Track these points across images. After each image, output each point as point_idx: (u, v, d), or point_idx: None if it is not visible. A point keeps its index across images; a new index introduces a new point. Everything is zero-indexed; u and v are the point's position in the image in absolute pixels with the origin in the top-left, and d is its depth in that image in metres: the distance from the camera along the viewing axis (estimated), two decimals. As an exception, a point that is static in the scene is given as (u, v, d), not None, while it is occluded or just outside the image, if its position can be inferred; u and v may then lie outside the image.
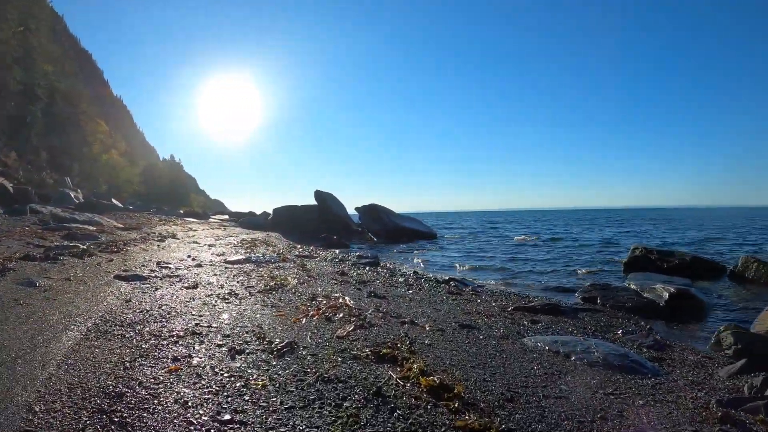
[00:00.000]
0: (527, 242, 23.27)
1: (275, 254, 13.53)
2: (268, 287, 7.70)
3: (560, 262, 14.97)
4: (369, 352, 4.26)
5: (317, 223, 25.58)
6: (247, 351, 4.34)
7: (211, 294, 7.02)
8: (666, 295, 8.73)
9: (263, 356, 4.21)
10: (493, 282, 11.46)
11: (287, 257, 13.17)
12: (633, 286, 9.73)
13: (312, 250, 17.48)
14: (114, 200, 35.53)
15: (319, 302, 6.65)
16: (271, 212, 28.24)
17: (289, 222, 26.33)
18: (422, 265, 14.66)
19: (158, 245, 13.75)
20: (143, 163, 67.21)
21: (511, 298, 8.96)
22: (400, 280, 10.33)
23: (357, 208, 26.35)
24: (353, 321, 5.47)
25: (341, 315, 5.77)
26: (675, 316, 8.27)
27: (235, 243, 16.60)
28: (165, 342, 4.54)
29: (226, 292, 7.22)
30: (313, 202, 26.94)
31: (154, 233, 17.11)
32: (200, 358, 4.12)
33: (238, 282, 8.24)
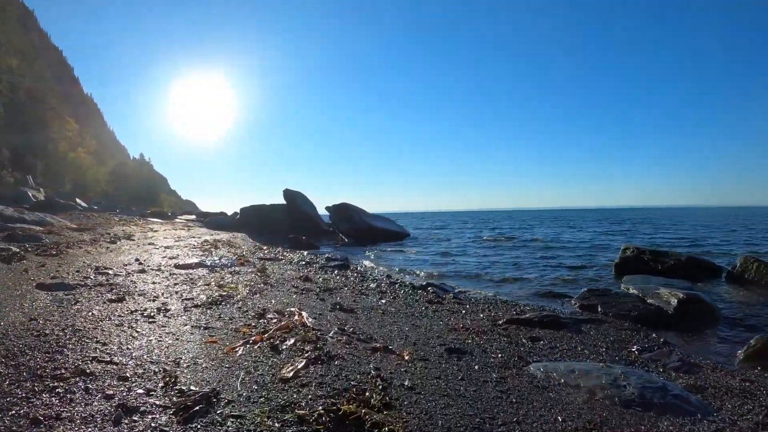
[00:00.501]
0: (507, 243, 21.81)
1: (234, 257, 11.98)
2: (210, 300, 6.17)
3: (544, 264, 13.69)
4: (322, 411, 2.80)
5: (286, 223, 24.00)
6: (142, 410, 2.85)
7: (136, 310, 5.47)
8: (674, 301, 7.48)
9: (162, 420, 2.73)
10: (475, 288, 10.08)
11: (248, 260, 11.65)
12: (634, 291, 8.48)
13: (278, 251, 16.02)
14: (78, 200, 33.64)
15: (269, 321, 5.16)
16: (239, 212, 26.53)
17: (257, 222, 24.68)
18: (396, 268, 13.21)
19: (107, 247, 12.12)
20: (112, 162, 64.73)
21: (500, 307, 7.60)
22: (372, 286, 8.90)
23: (327, 208, 24.80)
24: (307, 351, 4.00)
25: (292, 341, 4.30)
26: (685, 324, 7.09)
27: (195, 245, 14.98)
28: (38, 388, 3.05)
29: (157, 306, 5.68)
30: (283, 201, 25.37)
31: (109, 234, 15.47)
32: (69, 424, 2.62)
33: (177, 293, 6.69)
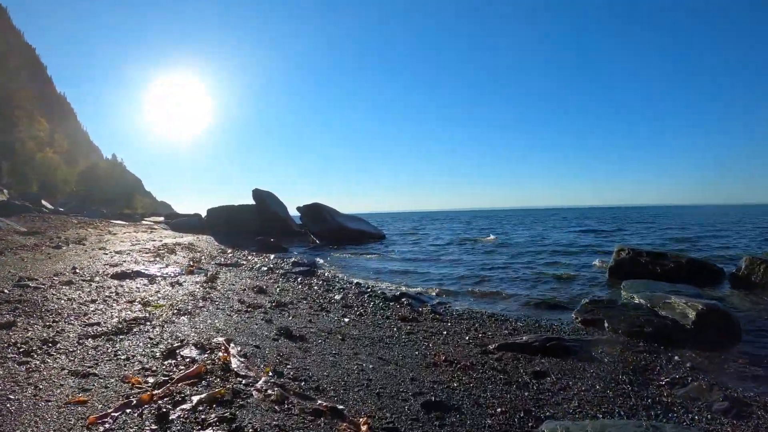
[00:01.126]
0: (490, 244, 20.23)
1: (187, 262, 10.45)
2: (119, 325, 4.63)
3: (531, 268, 12.33)
4: None
5: (255, 225, 22.38)
6: None
7: (16, 342, 3.93)
8: (692, 314, 6.17)
9: None
10: (457, 297, 8.66)
11: (201, 267, 10.12)
12: (641, 301, 7.17)
13: (243, 255, 14.56)
14: (44, 201, 31.68)
15: (179, 361, 3.65)
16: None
17: (225, 224, 23.01)
18: (368, 274, 11.73)
19: (49, 254, 10.46)
20: (84, 163, 62.03)
21: (488, 324, 6.20)
22: (337, 297, 7.46)
23: (298, 208, 23.20)
24: (210, 423, 2.54)
25: (195, 401, 2.80)
26: (705, 338, 5.82)
27: (150, 249, 13.35)
28: None
29: (45, 337, 4.14)
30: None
31: (59, 238, 13.78)
32: None
33: (86, 314, 5.12)
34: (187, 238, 19.26)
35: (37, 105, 63.76)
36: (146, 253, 12.33)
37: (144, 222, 27.52)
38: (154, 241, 16.63)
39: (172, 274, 8.58)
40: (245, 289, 7.56)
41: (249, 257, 14.06)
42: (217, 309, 5.76)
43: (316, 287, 8.57)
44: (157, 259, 11.16)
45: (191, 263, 10.85)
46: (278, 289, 7.96)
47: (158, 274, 8.44)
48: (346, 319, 5.81)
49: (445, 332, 5.51)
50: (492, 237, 23.90)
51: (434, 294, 8.67)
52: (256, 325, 5.09)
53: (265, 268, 11.34)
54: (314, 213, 22.47)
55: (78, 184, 53.10)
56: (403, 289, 8.87)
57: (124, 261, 10.17)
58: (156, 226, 24.39)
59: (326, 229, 21.60)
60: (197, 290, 7.06)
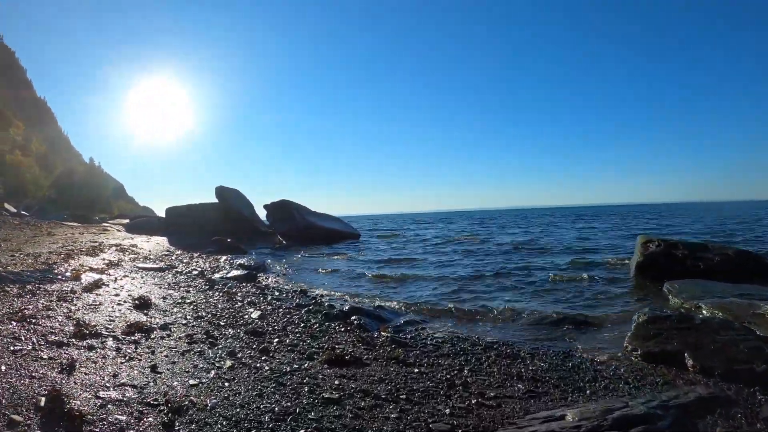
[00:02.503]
0: (481, 245, 16.46)
1: (98, 266, 7.79)
2: None
3: (531, 269, 9.51)
4: None
5: (218, 224, 19.54)
6: None
7: None
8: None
9: None
10: (435, 312, 5.82)
11: (108, 271, 7.50)
12: (714, 312, 4.55)
13: (189, 257, 12.12)
14: (7, 204, 29.46)
15: None
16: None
17: (185, 223, 20.14)
18: (326, 279, 8.97)
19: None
20: (60, 167, 58.65)
21: (486, 366, 3.48)
22: (254, 315, 4.78)
23: (266, 206, 20.37)
24: None
25: None
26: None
27: (74, 250, 10.78)
28: None
29: None
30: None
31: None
32: None
33: None
34: (138, 240, 16.63)
35: (12, 107, 60.37)
36: (57, 254, 9.69)
37: (105, 224, 24.66)
38: (93, 243, 13.94)
39: (40, 279, 5.88)
40: (125, 302, 4.90)
41: (192, 260, 11.47)
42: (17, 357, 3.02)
43: (239, 298, 5.90)
44: (69, 260, 8.67)
45: (104, 266, 8.30)
46: (175, 301, 5.28)
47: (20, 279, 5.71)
48: (228, 363, 3.09)
49: (406, 390, 2.82)
50: (477, 236, 21.08)
51: (401, 308, 5.88)
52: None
53: (196, 272, 8.79)
54: (281, 211, 19.63)
55: (51, 188, 50.06)
56: (358, 301, 6.12)
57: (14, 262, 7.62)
58: (111, 228, 21.53)
59: (294, 228, 18.75)
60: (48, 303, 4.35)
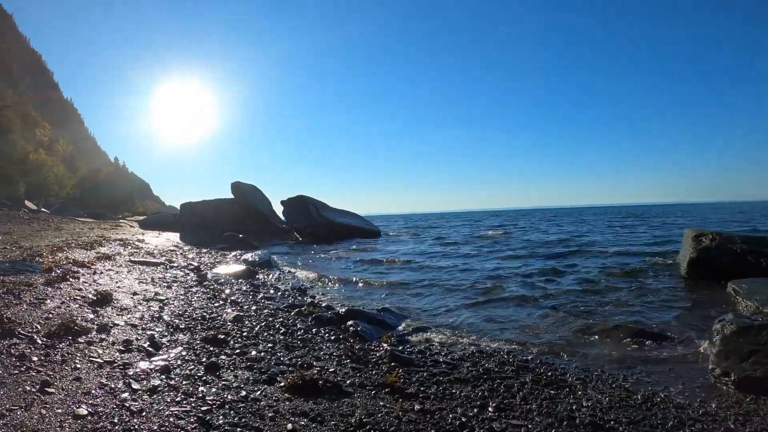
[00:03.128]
0: (507, 242, 14.88)
1: (84, 259, 7.05)
2: None
3: (569, 269, 8.36)
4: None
5: (233, 221, 18.77)
6: None
7: None
8: None
9: None
10: (451, 321, 4.65)
11: (92, 265, 6.72)
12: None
13: (196, 252, 11.50)
14: (28, 202, 29.57)
15: None
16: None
17: (199, 220, 19.47)
18: (333, 276, 7.94)
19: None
20: (84, 167, 59.17)
21: (518, 391, 2.49)
22: (230, 316, 3.86)
23: (283, 202, 19.52)
24: None
25: None
26: None
27: (72, 244, 10.13)
28: None
29: None
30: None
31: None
32: None
33: None
34: (148, 236, 16.01)
35: (39, 109, 61.36)
36: (50, 247, 9.02)
37: (120, 221, 24.34)
38: (98, 237, 13.36)
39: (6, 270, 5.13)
40: (82, 298, 4.08)
41: (198, 255, 10.79)
42: None
43: (224, 296, 5.05)
44: (57, 252, 8.04)
45: (93, 259, 7.57)
46: (145, 298, 4.42)
47: None
48: (153, 383, 2.16)
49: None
50: (502, 231, 19.85)
51: (413, 313, 4.87)
52: None
53: (192, 267, 8.05)
54: (298, 207, 18.76)
55: (75, 187, 50.53)
56: (361, 304, 5.12)
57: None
58: (124, 224, 21.12)
59: (311, 224, 17.87)
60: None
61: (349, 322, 3.81)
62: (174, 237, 16.42)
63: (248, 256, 9.90)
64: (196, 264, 8.44)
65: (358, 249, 14.14)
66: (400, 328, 4.05)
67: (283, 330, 3.58)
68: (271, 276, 7.63)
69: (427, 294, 6.37)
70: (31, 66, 70.84)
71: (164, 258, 9.46)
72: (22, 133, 44.32)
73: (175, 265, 8.39)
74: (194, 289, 5.56)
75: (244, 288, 5.97)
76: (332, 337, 3.49)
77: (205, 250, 12.52)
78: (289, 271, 8.61)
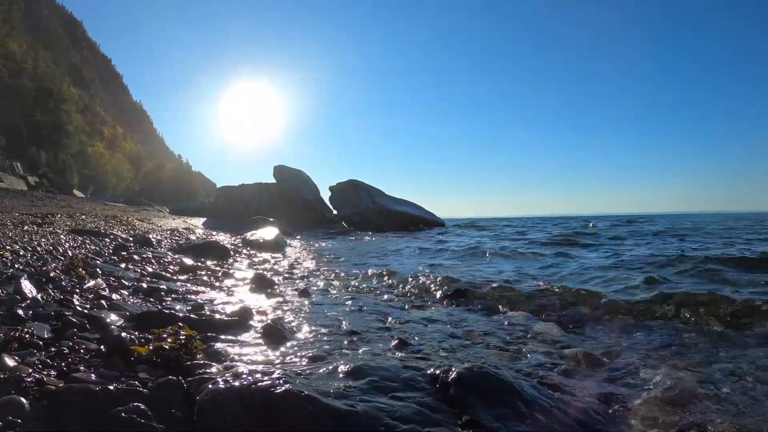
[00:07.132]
0: (598, 230, 11.02)
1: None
2: None
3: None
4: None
5: (275, 207, 15.84)
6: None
7: None
8: None
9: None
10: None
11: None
12: None
13: (209, 234, 8.70)
14: (76, 191, 30.24)
15: None
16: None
17: (237, 206, 16.72)
18: (370, 271, 4.64)
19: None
20: (149, 164, 59.82)
21: None
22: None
23: (331, 188, 16.47)
24: None
25: None
26: None
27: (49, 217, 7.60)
28: None
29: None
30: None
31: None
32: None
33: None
34: (167, 220, 13.50)
35: (111, 110, 62.62)
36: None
37: (149, 208, 22.96)
38: (94, 215, 11.11)
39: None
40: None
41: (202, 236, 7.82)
42: None
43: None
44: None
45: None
46: None
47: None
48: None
49: None
50: (595, 226, 15.92)
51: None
52: None
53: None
54: (349, 192, 15.60)
55: (136, 181, 50.88)
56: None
57: None
58: (151, 209, 19.13)
59: (361, 211, 14.57)
60: None
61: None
62: (197, 222, 13.85)
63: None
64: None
65: (416, 239, 10.66)
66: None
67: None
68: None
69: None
70: (101, 69, 72.57)
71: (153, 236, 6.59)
72: (83, 128, 44.05)
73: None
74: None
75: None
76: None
77: (236, 237, 9.59)
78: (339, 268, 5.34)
